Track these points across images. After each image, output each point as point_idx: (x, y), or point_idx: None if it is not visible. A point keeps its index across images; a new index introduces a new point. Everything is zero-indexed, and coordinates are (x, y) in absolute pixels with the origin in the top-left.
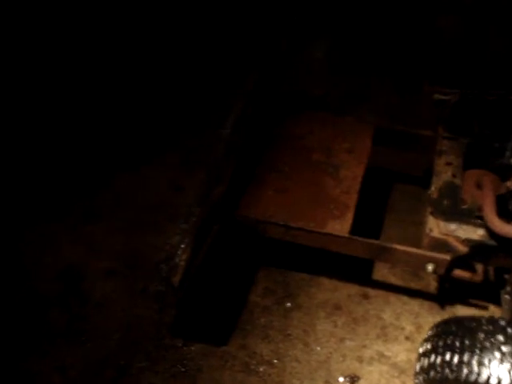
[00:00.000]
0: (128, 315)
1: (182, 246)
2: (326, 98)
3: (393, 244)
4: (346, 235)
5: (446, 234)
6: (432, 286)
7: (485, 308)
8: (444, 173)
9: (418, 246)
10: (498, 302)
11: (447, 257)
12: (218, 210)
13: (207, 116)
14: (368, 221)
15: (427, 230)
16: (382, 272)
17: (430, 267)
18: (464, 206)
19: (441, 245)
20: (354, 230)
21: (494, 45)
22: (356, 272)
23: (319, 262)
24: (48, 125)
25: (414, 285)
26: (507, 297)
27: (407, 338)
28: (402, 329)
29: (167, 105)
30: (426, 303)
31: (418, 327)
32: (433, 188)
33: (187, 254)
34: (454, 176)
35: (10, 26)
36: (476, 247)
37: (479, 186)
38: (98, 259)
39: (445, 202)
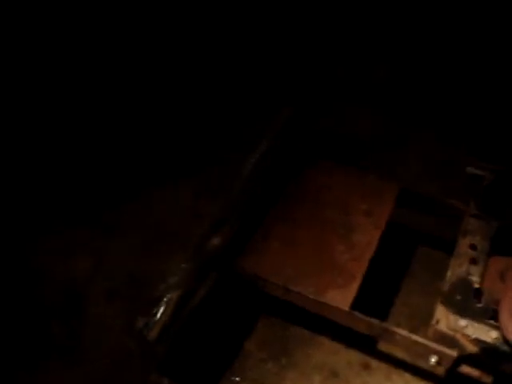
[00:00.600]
0: (122, 342)
1: (166, 298)
2: (365, 140)
3: (395, 327)
4: (346, 309)
5: (454, 330)
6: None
7: None
8: (464, 258)
9: None
10: None
11: (453, 353)
12: (218, 258)
13: (238, 142)
14: (384, 285)
15: (434, 321)
16: None
17: (433, 359)
18: (479, 305)
19: (447, 339)
20: (366, 292)
21: None
22: (360, 337)
23: (323, 319)
24: (75, 133)
25: (421, 363)
26: None
27: None
28: None
29: (201, 126)
30: None
31: None
32: (448, 274)
33: (171, 309)
34: (475, 262)
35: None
36: (487, 349)
37: (502, 278)
38: (105, 277)
39: (458, 295)
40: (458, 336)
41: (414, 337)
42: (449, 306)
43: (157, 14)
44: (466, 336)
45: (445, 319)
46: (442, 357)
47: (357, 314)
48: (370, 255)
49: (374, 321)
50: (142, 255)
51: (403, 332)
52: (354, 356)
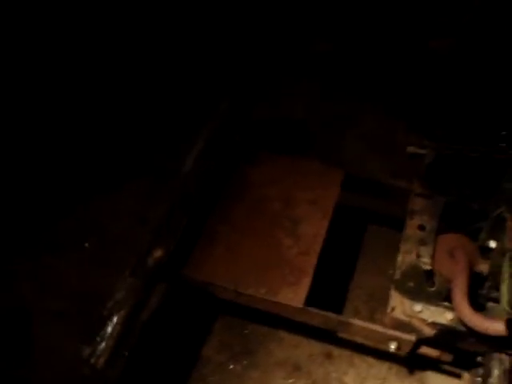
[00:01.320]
0: (74, 366)
1: (111, 320)
2: (306, 123)
3: (351, 319)
4: (300, 306)
5: (410, 315)
6: None
7: (457, 376)
8: (413, 241)
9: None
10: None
11: (411, 337)
12: (163, 268)
13: (176, 142)
14: (339, 266)
15: (389, 309)
16: None
17: (392, 346)
18: (432, 288)
19: (404, 325)
20: (320, 281)
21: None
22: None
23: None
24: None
25: (382, 345)
26: (479, 379)
27: None
28: None
29: (137, 128)
30: (395, 367)
31: None
32: (399, 259)
33: (118, 331)
34: (424, 243)
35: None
36: (444, 331)
37: (451, 256)
38: (51, 298)
39: (410, 281)
40: (415, 321)
41: (372, 326)
42: (402, 292)
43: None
44: (423, 320)
45: (400, 306)
46: (401, 342)
47: (311, 309)
48: (319, 247)
49: (330, 314)
50: (89, 269)
51: (360, 322)
52: (316, 347)
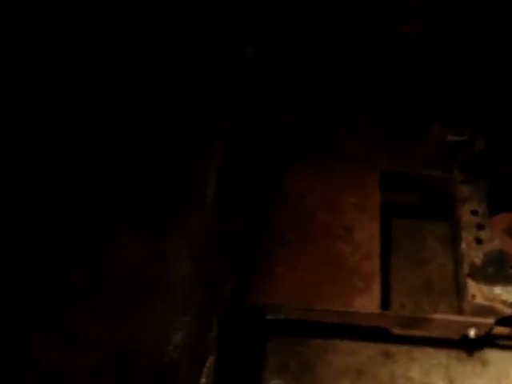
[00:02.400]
0: None
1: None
2: (300, 128)
3: (432, 314)
4: (378, 311)
5: (491, 299)
6: None
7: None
8: (472, 226)
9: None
10: None
11: (491, 320)
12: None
13: (180, 165)
14: None
15: (469, 298)
16: None
17: (472, 332)
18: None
19: (485, 310)
20: None
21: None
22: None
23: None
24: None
25: (436, 333)
26: None
27: None
28: None
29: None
30: (453, 352)
31: (451, 381)
32: (463, 246)
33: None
34: (483, 228)
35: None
36: None
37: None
38: (81, 354)
39: (487, 267)
40: (496, 304)
41: (452, 317)
42: (479, 279)
43: None
44: (504, 302)
45: (479, 292)
46: (480, 327)
47: (389, 313)
48: (379, 249)
49: (408, 315)
50: (113, 314)
51: (441, 316)
52: (373, 349)
